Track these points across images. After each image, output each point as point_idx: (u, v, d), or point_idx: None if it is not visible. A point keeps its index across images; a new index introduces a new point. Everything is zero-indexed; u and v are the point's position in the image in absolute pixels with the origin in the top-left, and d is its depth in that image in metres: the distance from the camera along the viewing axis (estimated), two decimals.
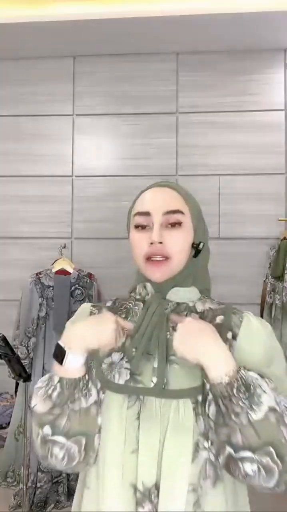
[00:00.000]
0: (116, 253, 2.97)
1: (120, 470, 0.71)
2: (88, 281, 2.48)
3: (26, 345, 2.34)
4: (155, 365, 0.75)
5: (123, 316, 0.83)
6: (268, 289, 2.79)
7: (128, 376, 0.75)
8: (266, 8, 2.51)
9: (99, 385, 0.76)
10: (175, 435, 0.70)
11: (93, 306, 0.90)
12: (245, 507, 0.75)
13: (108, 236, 2.99)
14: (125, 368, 0.76)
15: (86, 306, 0.91)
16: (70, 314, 2.38)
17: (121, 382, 0.75)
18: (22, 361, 2.06)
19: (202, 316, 0.80)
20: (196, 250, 0.82)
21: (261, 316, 2.82)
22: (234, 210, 2.94)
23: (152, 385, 0.74)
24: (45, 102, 3.06)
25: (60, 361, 0.72)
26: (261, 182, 2.94)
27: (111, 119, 3.04)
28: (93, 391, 0.75)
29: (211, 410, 0.68)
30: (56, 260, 2.55)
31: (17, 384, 2.47)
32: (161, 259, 0.78)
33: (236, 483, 0.71)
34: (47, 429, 0.72)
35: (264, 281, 2.85)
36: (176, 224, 0.79)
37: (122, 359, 0.78)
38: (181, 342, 0.70)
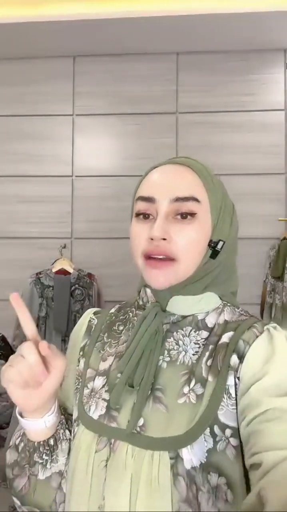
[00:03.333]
0: (116, 253, 2.97)
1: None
2: (88, 281, 2.48)
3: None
4: (135, 399, 0.58)
5: (121, 328, 0.69)
6: (268, 289, 2.79)
7: (104, 410, 0.60)
8: (266, 8, 2.51)
9: (76, 414, 0.62)
10: (148, 498, 0.51)
11: (95, 313, 0.76)
12: None
13: (108, 236, 2.99)
14: (103, 399, 0.61)
15: (86, 316, 0.77)
16: (70, 314, 2.38)
17: (95, 416, 0.60)
18: None
19: (211, 334, 0.61)
20: (214, 250, 0.62)
21: (261, 316, 2.82)
22: None
23: (126, 426, 0.57)
24: (45, 102, 3.06)
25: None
26: (261, 182, 2.94)
27: (111, 119, 3.04)
28: (60, 459, 0.61)
29: (211, 480, 0.51)
30: (56, 260, 2.55)
31: None
32: (163, 257, 0.60)
33: None
34: (8, 483, 0.63)
35: (264, 281, 2.85)
36: (188, 215, 0.60)
37: (103, 386, 0.62)
38: None
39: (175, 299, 0.63)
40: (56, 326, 2.35)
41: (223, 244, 0.62)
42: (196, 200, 0.61)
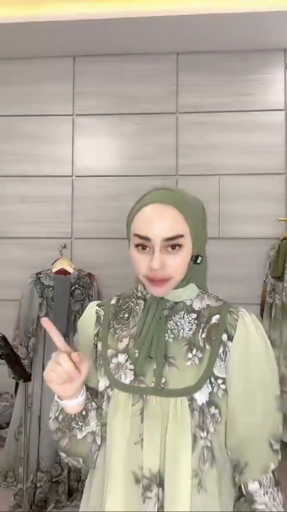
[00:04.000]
0: (116, 253, 2.97)
1: (123, 458, 0.79)
2: (88, 281, 2.48)
3: (26, 345, 2.34)
4: (155, 366, 0.81)
5: (126, 315, 0.90)
6: (268, 289, 2.79)
7: (133, 377, 0.82)
8: (266, 8, 2.51)
9: (108, 383, 0.85)
10: (175, 430, 0.77)
11: (99, 305, 0.94)
12: (231, 478, 0.83)
13: (108, 236, 3.00)
14: (130, 369, 0.83)
15: (92, 308, 0.94)
16: (70, 314, 2.38)
17: (127, 382, 0.82)
18: (22, 361, 2.06)
19: (199, 315, 0.86)
20: (195, 261, 0.84)
21: (261, 316, 2.83)
22: (234, 210, 2.94)
23: (153, 385, 0.80)
24: (45, 102, 3.06)
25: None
26: (261, 182, 2.94)
27: (111, 119, 3.04)
28: (92, 423, 0.84)
29: (211, 411, 0.80)
30: (56, 260, 2.55)
31: (17, 384, 2.47)
32: (163, 280, 0.80)
33: (224, 456, 0.82)
34: (54, 443, 0.88)
35: (264, 281, 2.85)
36: (176, 247, 0.79)
37: (127, 360, 0.85)
38: None
39: (169, 294, 0.85)
40: (56, 326, 2.34)
41: (202, 258, 0.85)
42: (181, 236, 0.79)
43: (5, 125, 3.09)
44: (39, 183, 3.05)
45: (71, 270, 2.46)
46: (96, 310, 0.92)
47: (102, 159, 3.04)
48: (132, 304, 0.91)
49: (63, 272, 2.45)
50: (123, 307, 0.92)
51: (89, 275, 2.51)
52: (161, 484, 0.76)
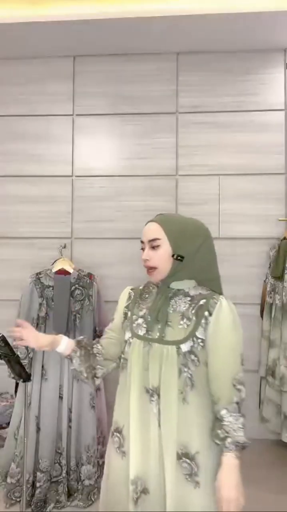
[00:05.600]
0: (116, 253, 2.98)
1: (138, 378, 1.26)
2: (88, 281, 2.48)
3: (26, 345, 2.34)
4: (159, 326, 1.26)
5: (147, 296, 1.37)
6: (268, 289, 2.78)
7: (145, 331, 1.28)
8: (266, 8, 2.51)
9: (130, 334, 1.31)
10: (167, 363, 1.22)
11: (132, 289, 1.43)
12: (209, 403, 1.23)
13: (108, 236, 3.00)
14: (144, 327, 1.29)
15: (127, 290, 1.43)
16: (70, 314, 2.38)
17: (141, 334, 1.29)
18: (22, 361, 2.06)
19: (192, 298, 1.28)
20: (177, 258, 1.26)
21: (261, 316, 2.82)
22: (234, 210, 2.94)
23: (157, 337, 1.26)
24: (45, 102, 3.06)
25: None
26: (261, 182, 2.94)
27: (111, 119, 3.04)
28: (75, 363, 1.35)
29: (191, 357, 1.22)
30: (56, 260, 2.55)
31: (17, 384, 2.47)
32: (151, 268, 1.29)
33: (202, 386, 1.22)
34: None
35: (264, 281, 2.84)
36: (155, 246, 1.27)
37: (143, 322, 1.30)
38: (224, 486, 1.14)
39: (173, 283, 1.30)
40: (56, 326, 2.34)
41: (181, 257, 1.26)
42: (157, 238, 1.27)
43: (5, 125, 3.09)
44: (39, 183, 3.05)
45: (71, 270, 2.46)
46: (129, 292, 1.42)
47: (102, 159, 3.04)
48: (151, 288, 1.39)
49: (63, 272, 2.45)
50: (146, 290, 1.39)
51: (89, 275, 2.51)
52: (158, 395, 1.22)
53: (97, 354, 1.37)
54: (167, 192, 2.97)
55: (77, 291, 2.44)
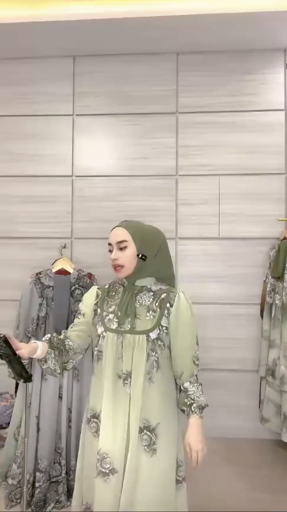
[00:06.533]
0: None
1: (112, 366, 1.45)
2: (88, 281, 2.48)
3: None
4: (129, 319, 1.47)
5: (114, 293, 1.56)
6: (268, 289, 2.78)
7: (116, 325, 1.48)
8: (266, 8, 2.51)
9: (103, 329, 1.49)
10: (138, 350, 1.43)
11: (98, 288, 1.61)
12: (172, 380, 1.50)
13: (108, 236, 2.99)
14: (115, 321, 1.49)
15: (93, 289, 1.61)
16: (70, 314, 2.38)
17: (113, 327, 1.48)
18: (22, 361, 2.05)
19: (154, 293, 1.51)
20: (141, 257, 1.47)
21: (261, 316, 2.82)
22: (234, 210, 2.94)
23: (128, 328, 1.46)
24: (45, 102, 3.06)
25: None
26: (261, 182, 2.94)
27: (111, 119, 3.04)
28: (49, 363, 1.49)
29: (159, 343, 1.45)
30: (56, 260, 2.55)
31: (17, 384, 2.47)
32: (118, 266, 1.49)
33: (165, 366, 1.47)
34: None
35: (264, 281, 2.84)
36: (123, 248, 1.48)
37: (114, 317, 1.50)
38: (192, 440, 1.40)
39: (137, 281, 1.52)
40: (55, 326, 2.34)
41: (144, 256, 1.48)
42: (125, 240, 1.48)
43: (5, 125, 3.09)
44: (39, 183, 3.05)
45: (71, 270, 2.46)
46: (97, 291, 1.59)
47: (102, 159, 3.04)
48: (117, 287, 1.58)
49: (63, 272, 2.45)
50: (112, 289, 1.58)
51: (89, 275, 2.51)
52: (130, 378, 1.42)
53: (69, 350, 1.53)
54: (167, 192, 2.97)
55: (77, 291, 2.44)
